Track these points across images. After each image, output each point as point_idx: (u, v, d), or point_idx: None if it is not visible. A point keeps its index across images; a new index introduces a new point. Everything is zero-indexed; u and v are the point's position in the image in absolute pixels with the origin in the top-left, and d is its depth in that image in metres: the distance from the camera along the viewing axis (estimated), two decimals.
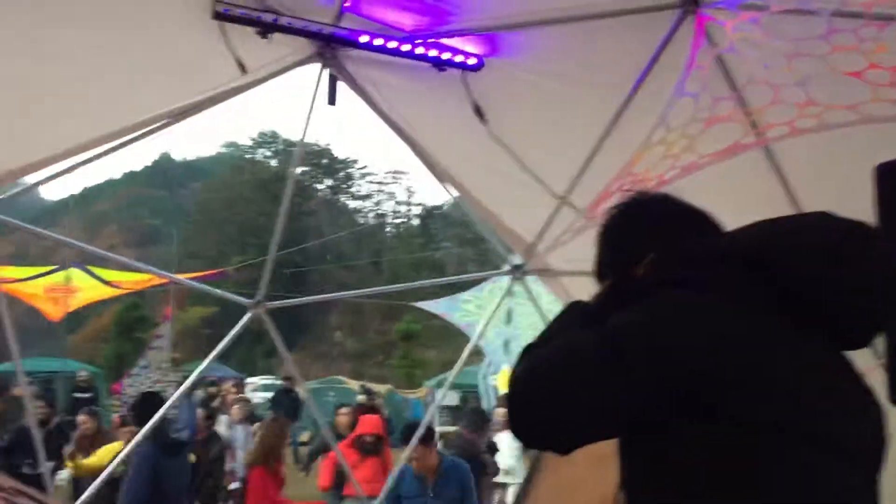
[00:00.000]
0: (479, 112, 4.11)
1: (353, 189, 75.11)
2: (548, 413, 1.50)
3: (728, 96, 3.72)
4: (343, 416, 9.75)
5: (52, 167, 4.42)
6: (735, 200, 4.44)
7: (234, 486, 10.17)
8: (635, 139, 3.81)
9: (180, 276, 8.17)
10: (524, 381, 1.55)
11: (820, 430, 1.42)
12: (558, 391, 1.49)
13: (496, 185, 4.77)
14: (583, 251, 3.28)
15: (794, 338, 1.49)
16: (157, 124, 4.34)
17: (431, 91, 4.19)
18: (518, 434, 1.56)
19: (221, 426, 10.66)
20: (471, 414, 9.43)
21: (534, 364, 1.58)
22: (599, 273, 1.85)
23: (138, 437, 5.04)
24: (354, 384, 26.97)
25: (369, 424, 7.73)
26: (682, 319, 1.48)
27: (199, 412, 9.22)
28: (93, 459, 7.03)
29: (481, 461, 8.59)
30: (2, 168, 4.12)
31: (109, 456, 6.58)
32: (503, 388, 16.80)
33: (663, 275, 1.62)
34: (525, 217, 4.93)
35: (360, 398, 17.06)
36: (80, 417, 8.63)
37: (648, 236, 1.71)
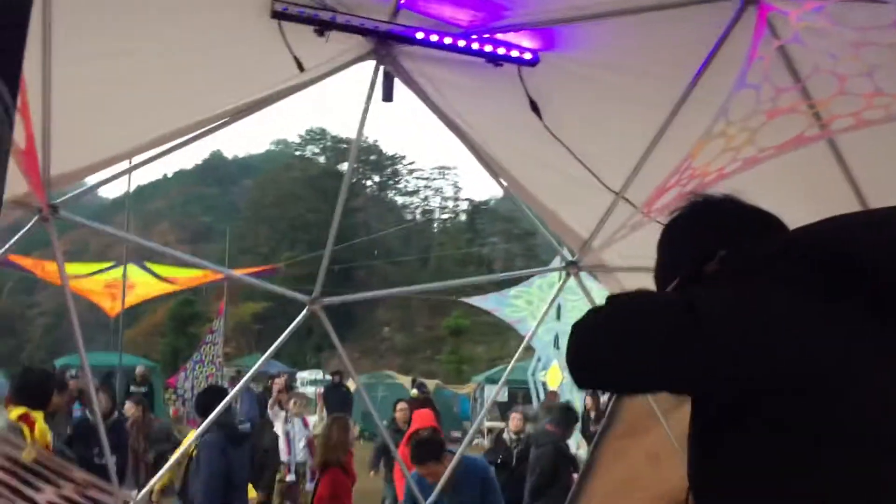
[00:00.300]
0: (534, 107, 4.08)
1: (400, 185, 75.55)
2: (618, 352, 1.48)
3: (791, 87, 3.63)
4: (401, 412, 9.94)
5: (111, 168, 4.51)
6: (798, 194, 4.36)
7: (289, 478, 10.33)
8: (694, 133, 3.74)
9: (236, 272, 8.28)
10: (605, 317, 1.55)
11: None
12: (635, 332, 1.48)
13: (551, 181, 4.74)
14: (639, 247, 3.26)
15: (877, 334, 1.45)
16: (216, 123, 4.40)
17: (487, 87, 4.17)
18: (580, 365, 1.56)
19: (279, 420, 10.85)
20: (558, 410, 9.44)
21: (617, 308, 1.57)
22: (662, 276, 1.85)
23: (202, 427, 5.14)
24: (404, 379, 27.16)
25: (423, 419, 7.80)
26: (763, 306, 1.47)
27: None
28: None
29: (569, 456, 8.63)
30: (64, 169, 4.21)
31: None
32: (552, 384, 16.78)
33: (738, 270, 1.60)
34: (580, 213, 4.89)
35: (414, 392, 17.28)
36: (127, 405, 8.82)
37: (716, 235, 1.71)
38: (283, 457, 10.47)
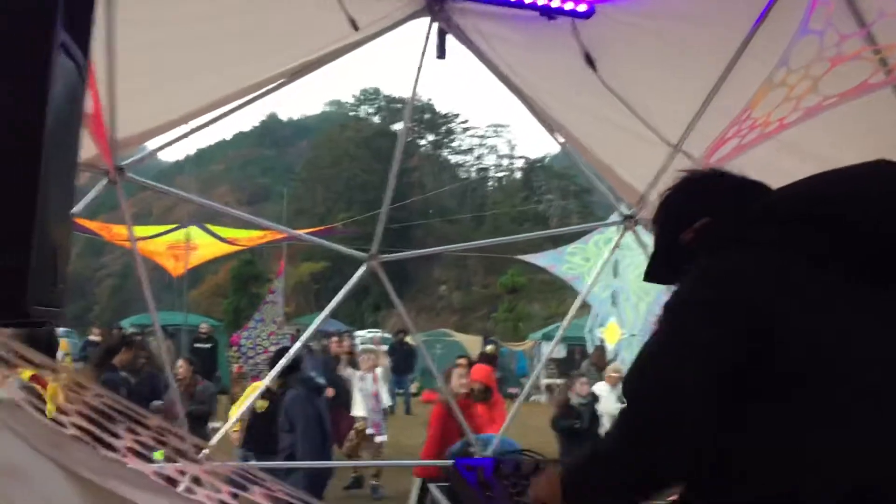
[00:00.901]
0: (589, 60, 4.04)
1: (454, 143, 75.23)
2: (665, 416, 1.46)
3: (855, 33, 3.52)
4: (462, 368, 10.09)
5: (171, 132, 4.62)
6: (861, 144, 4.24)
7: (369, 431, 10.57)
8: (754, 82, 3.67)
9: (298, 231, 8.44)
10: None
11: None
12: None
13: (607, 135, 4.69)
14: None
15: (856, 289, 1.48)
16: (273, 85, 4.47)
17: (541, 41, 4.14)
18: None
19: (354, 378, 11.15)
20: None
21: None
22: (655, 252, 1.91)
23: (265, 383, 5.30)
24: (461, 337, 27.37)
25: (479, 373, 7.87)
26: (741, 275, 1.51)
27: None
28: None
29: None
30: (129, 133, 4.32)
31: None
32: (610, 341, 16.73)
33: (718, 236, 1.64)
34: (637, 167, 4.84)
35: (489, 348, 17.68)
36: (178, 363, 9.11)
37: (702, 205, 1.76)
38: (359, 412, 10.72)
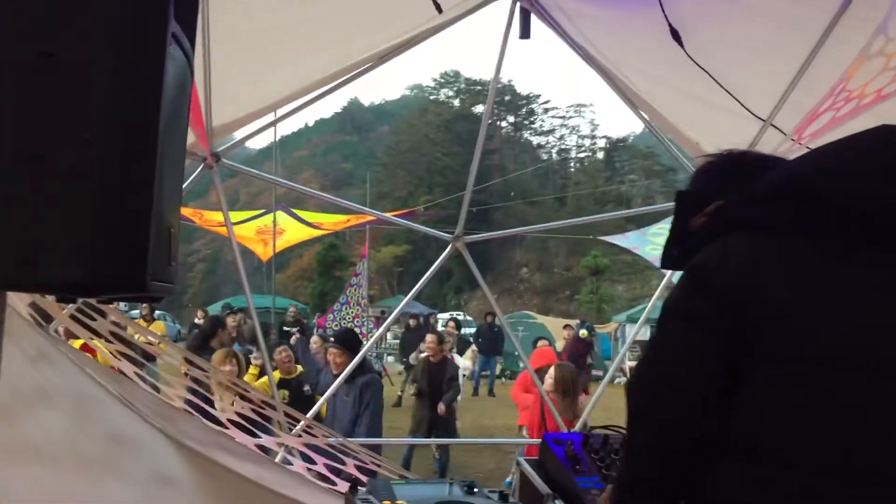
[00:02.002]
0: (675, 35, 3.97)
1: (535, 125, 74.70)
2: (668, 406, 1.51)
3: None
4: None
5: (260, 120, 4.75)
6: None
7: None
8: (850, 52, 3.54)
9: (383, 214, 8.60)
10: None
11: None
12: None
13: (694, 111, 4.61)
14: None
15: (862, 264, 1.42)
16: (359, 70, 4.55)
17: (625, 17, 4.09)
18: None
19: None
20: None
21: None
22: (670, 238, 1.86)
23: (350, 367, 5.45)
24: (544, 319, 27.30)
25: (543, 357, 7.98)
26: (738, 261, 1.47)
27: (430, 338, 9.80)
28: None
29: None
30: (223, 121, 4.47)
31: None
32: None
33: (723, 220, 1.60)
34: (724, 143, 4.71)
35: (583, 333, 17.66)
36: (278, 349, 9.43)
37: (717, 188, 1.71)
38: None
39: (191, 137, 4.08)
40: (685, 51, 3.97)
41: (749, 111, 4.21)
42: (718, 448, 1.45)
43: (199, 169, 4.36)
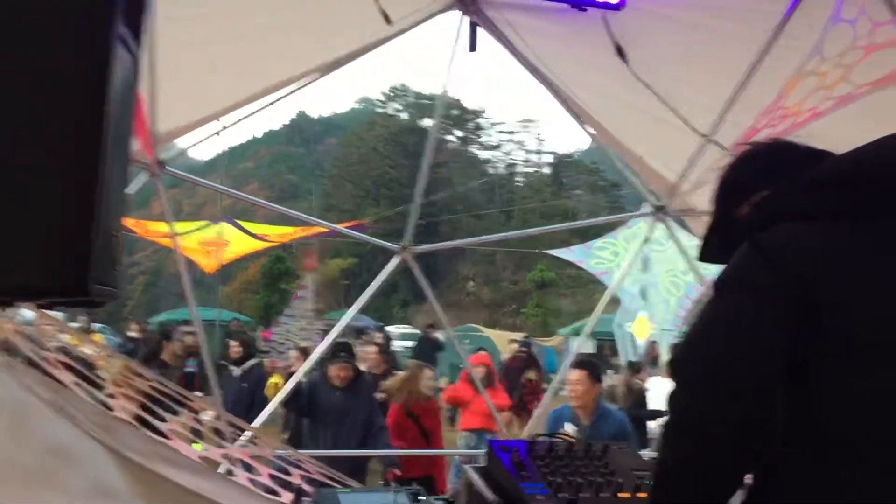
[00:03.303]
0: (620, 52, 4.06)
1: (482, 139, 75.12)
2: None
3: (889, 21, 3.50)
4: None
5: (203, 128, 4.69)
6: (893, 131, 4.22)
7: None
8: (786, 72, 3.67)
9: (331, 224, 8.58)
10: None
11: None
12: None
13: (638, 126, 4.71)
14: None
15: None
16: (307, 80, 4.54)
17: (571, 33, 4.17)
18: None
19: None
20: None
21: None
22: (711, 228, 1.82)
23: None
24: (490, 332, 27.38)
25: (476, 359, 8.16)
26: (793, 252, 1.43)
27: (371, 349, 9.76)
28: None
29: None
30: (165, 129, 4.39)
31: None
32: (639, 336, 16.67)
33: (775, 209, 1.56)
34: (667, 157, 4.85)
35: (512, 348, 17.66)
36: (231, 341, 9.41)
37: (763, 178, 1.67)
38: None
39: (134, 144, 4.01)
40: (629, 67, 4.06)
41: (691, 127, 4.32)
42: (781, 440, 1.40)
43: (144, 176, 4.29)
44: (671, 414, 1.46)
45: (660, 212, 5.11)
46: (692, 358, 1.47)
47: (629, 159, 5.02)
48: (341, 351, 6.03)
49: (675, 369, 1.48)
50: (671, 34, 4.12)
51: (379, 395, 7.37)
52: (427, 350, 19.86)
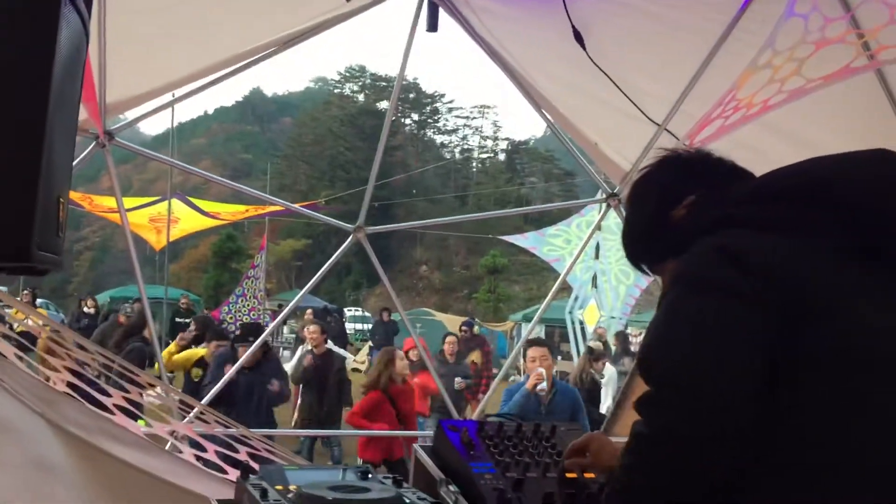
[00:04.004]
0: (578, 37, 4.07)
1: (439, 124, 75.07)
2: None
3: (840, 17, 3.58)
4: (449, 345, 10.35)
5: (154, 101, 4.58)
6: (844, 126, 4.32)
7: None
8: (740, 64, 3.72)
9: (287, 203, 8.49)
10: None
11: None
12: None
13: (594, 112, 4.73)
14: None
15: (865, 272, 1.44)
16: (260, 55, 4.46)
17: (531, 16, 4.17)
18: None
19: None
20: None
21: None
22: (630, 231, 1.85)
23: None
24: (442, 317, 27.48)
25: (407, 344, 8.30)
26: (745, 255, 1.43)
27: (313, 328, 9.71)
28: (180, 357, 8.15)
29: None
30: (117, 98, 4.29)
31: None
32: (589, 323, 16.88)
33: (716, 215, 1.58)
34: (622, 145, 4.89)
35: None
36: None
37: (689, 183, 1.71)
38: None
39: (82, 113, 3.91)
40: (587, 53, 4.08)
41: (645, 115, 4.36)
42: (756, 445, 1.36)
43: (91, 146, 4.18)
44: (646, 419, 1.42)
45: (612, 198, 5.16)
46: (663, 359, 1.44)
47: (584, 146, 5.05)
48: (249, 335, 6.20)
49: (647, 371, 1.46)
50: (628, 22, 4.15)
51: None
52: (382, 333, 19.90)
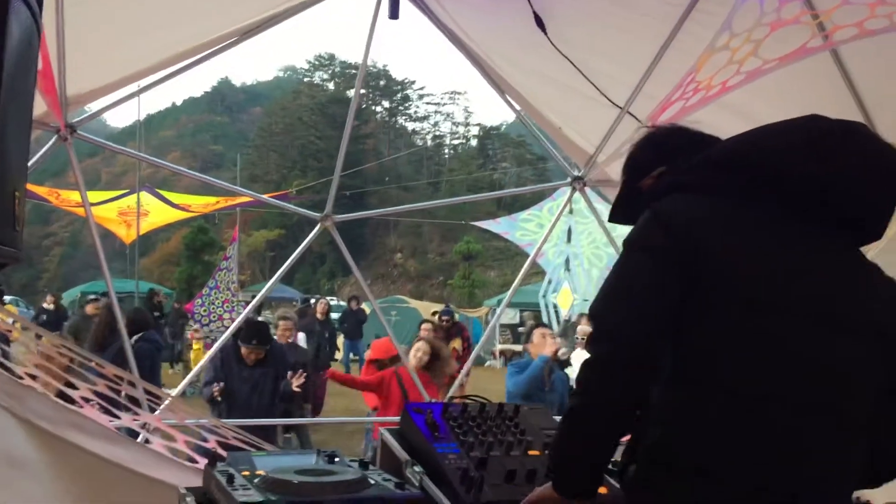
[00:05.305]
0: (540, 22, 4.10)
1: (410, 111, 74.78)
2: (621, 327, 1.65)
3: None
4: (426, 332, 10.27)
5: (117, 92, 4.54)
6: (801, 106, 4.38)
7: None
8: (700, 45, 3.77)
9: (256, 194, 8.42)
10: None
11: (815, 309, 1.63)
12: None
13: (557, 97, 4.77)
14: None
15: (787, 228, 1.71)
16: (225, 43, 4.44)
17: (493, 3, 4.19)
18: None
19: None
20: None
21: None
22: (619, 196, 2.11)
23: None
24: (417, 304, 27.51)
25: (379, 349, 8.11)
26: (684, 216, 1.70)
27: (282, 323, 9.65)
28: None
29: None
30: (78, 90, 4.24)
31: None
32: (563, 306, 16.99)
33: (669, 183, 1.84)
34: (585, 128, 4.94)
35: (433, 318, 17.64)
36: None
37: (661, 156, 1.98)
38: None
39: (43, 107, 3.88)
40: (548, 38, 4.11)
41: (608, 98, 4.41)
42: (668, 378, 1.64)
43: (53, 140, 4.14)
44: (588, 352, 1.71)
45: (577, 181, 5.21)
46: (603, 308, 1.73)
47: (549, 131, 5.09)
48: (253, 338, 6.07)
49: (590, 318, 1.79)
50: (589, 7, 4.18)
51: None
52: (352, 322, 19.85)
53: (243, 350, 5.98)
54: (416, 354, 6.29)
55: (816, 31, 3.58)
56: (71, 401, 2.85)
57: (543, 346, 6.32)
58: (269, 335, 6.43)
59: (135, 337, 8.09)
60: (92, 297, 15.12)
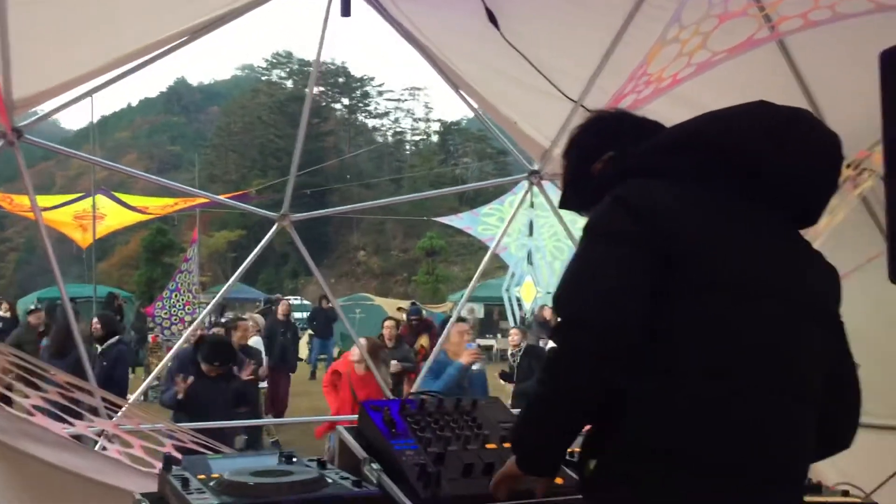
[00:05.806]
0: (492, 18, 4.11)
1: (370, 107, 74.46)
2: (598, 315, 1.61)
3: None
4: (388, 329, 10.27)
5: (68, 93, 4.45)
6: (751, 96, 4.45)
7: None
8: (649, 39, 3.82)
9: (212, 195, 8.33)
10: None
11: (775, 291, 1.67)
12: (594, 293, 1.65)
13: (513, 92, 4.79)
14: None
15: (731, 208, 1.73)
16: (176, 42, 4.38)
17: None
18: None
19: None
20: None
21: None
22: (564, 181, 2.10)
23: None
24: (381, 301, 27.46)
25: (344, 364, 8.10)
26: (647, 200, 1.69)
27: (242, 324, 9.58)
28: None
29: None
30: (25, 93, 4.15)
31: None
32: (526, 299, 17.09)
33: (624, 167, 1.84)
34: (540, 122, 4.96)
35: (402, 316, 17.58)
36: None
37: (608, 140, 1.98)
38: None
39: None
40: (501, 33, 4.12)
41: (561, 92, 4.44)
42: (639, 367, 1.61)
43: (0, 144, 4.05)
44: (554, 341, 1.68)
45: (534, 175, 5.24)
46: (569, 296, 1.69)
47: (505, 125, 5.11)
48: (215, 360, 6.02)
49: (556, 306, 1.72)
50: (540, 2, 4.20)
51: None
52: (322, 321, 19.78)
53: (204, 367, 5.96)
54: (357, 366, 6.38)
55: (763, 23, 3.64)
56: (23, 409, 2.80)
57: (460, 344, 6.11)
58: (232, 354, 6.41)
59: (109, 341, 8.02)
60: (32, 307, 14.78)
